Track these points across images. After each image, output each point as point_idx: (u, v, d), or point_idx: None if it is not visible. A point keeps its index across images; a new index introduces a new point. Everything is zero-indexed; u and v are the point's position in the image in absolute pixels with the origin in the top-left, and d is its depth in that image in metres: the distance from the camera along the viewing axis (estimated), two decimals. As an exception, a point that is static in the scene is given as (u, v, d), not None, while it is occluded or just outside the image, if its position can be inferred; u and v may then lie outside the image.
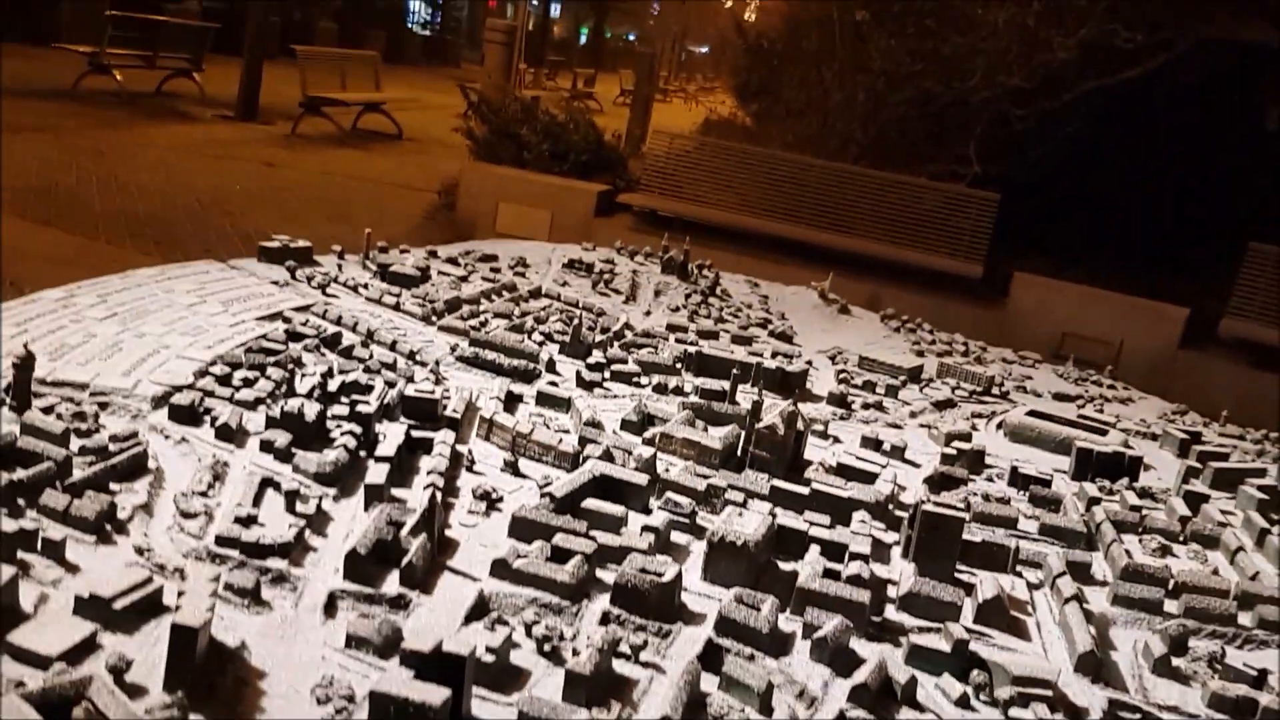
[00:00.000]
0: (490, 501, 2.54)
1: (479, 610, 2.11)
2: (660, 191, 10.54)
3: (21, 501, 2.18)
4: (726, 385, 3.43)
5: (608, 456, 2.72)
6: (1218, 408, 8.57)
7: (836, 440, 3.31)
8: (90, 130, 12.55)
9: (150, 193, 10.01)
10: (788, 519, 2.59)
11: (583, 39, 54.61)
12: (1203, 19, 9.84)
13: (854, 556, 2.43)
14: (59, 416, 2.54)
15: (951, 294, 9.70)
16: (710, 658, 2.03)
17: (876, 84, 10.62)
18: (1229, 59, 10.02)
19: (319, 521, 2.35)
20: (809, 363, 4.03)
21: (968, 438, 3.38)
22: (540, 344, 3.66)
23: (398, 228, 10.59)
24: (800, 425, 2.94)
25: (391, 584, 2.16)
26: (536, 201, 10.41)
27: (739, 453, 2.98)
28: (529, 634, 2.05)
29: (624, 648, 2.01)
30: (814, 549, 2.48)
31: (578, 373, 3.45)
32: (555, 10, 41.18)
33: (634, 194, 10.59)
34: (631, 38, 58.94)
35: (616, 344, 3.83)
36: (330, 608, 2.07)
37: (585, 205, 10.36)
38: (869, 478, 2.96)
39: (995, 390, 4.09)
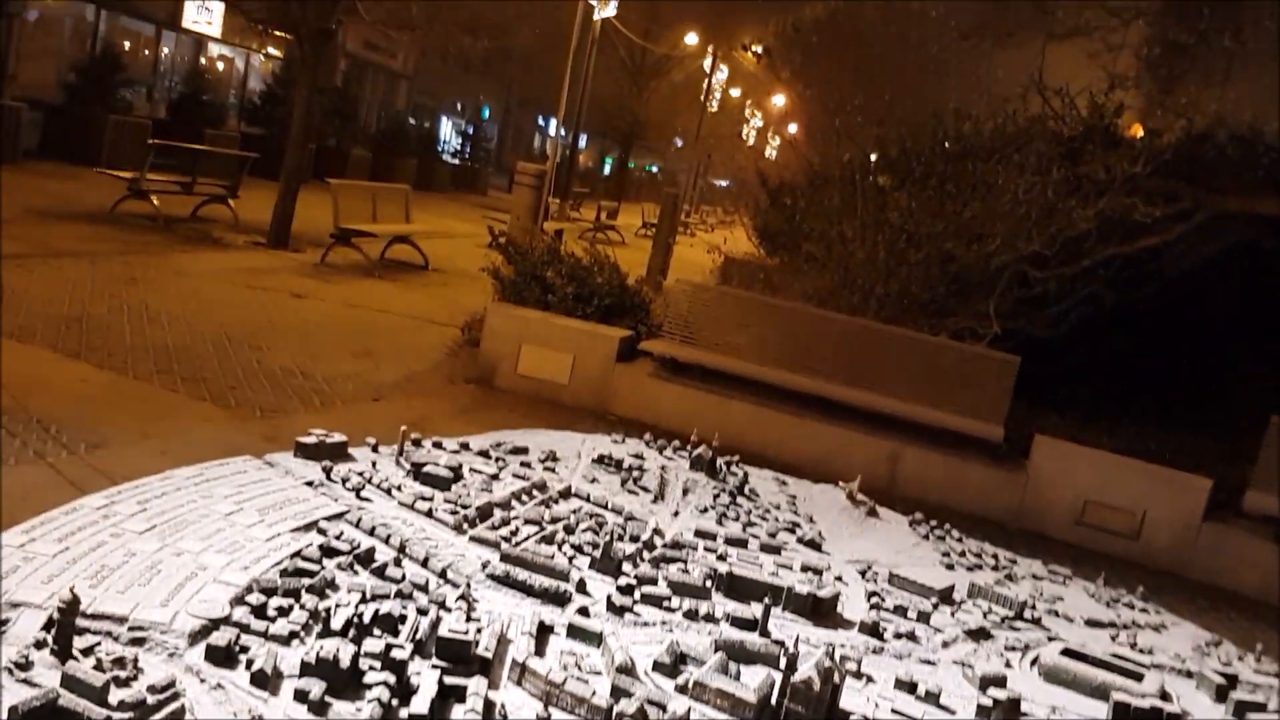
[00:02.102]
0: (524, 769, 2.51)
1: None
2: (681, 339, 10.65)
3: (61, 774, 2.18)
4: (758, 612, 3.41)
5: (641, 715, 2.70)
6: (1243, 585, 8.46)
7: (870, 680, 3.28)
8: (124, 256, 12.79)
9: (179, 323, 10.14)
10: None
11: (607, 169, 56.10)
12: (1219, 192, 10.07)
13: None
14: (98, 663, 2.55)
15: (971, 454, 9.69)
16: None
17: (898, 242, 10.83)
18: (1247, 230, 10.22)
19: (353, 794, 2.33)
20: (839, 577, 4.02)
21: (1003, 682, 3.35)
22: (570, 558, 3.67)
23: (420, 364, 10.69)
24: (836, 678, 2.92)
25: None
26: (559, 345, 10.51)
27: (774, 702, 2.95)
28: None
29: None
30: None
31: (609, 597, 3.44)
32: (583, 140, 42.35)
33: (655, 341, 10.70)
34: (654, 169, 60.55)
35: (646, 556, 3.83)
36: None
37: (607, 350, 10.46)
38: (904, 734, 2.92)
39: (1028, 614, 4.06)
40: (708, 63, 45.67)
